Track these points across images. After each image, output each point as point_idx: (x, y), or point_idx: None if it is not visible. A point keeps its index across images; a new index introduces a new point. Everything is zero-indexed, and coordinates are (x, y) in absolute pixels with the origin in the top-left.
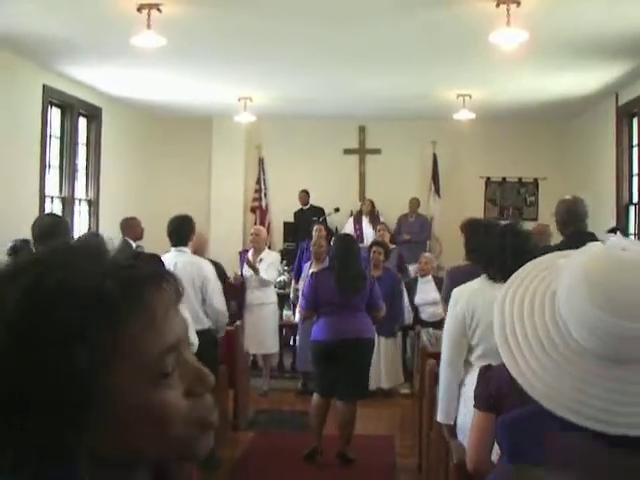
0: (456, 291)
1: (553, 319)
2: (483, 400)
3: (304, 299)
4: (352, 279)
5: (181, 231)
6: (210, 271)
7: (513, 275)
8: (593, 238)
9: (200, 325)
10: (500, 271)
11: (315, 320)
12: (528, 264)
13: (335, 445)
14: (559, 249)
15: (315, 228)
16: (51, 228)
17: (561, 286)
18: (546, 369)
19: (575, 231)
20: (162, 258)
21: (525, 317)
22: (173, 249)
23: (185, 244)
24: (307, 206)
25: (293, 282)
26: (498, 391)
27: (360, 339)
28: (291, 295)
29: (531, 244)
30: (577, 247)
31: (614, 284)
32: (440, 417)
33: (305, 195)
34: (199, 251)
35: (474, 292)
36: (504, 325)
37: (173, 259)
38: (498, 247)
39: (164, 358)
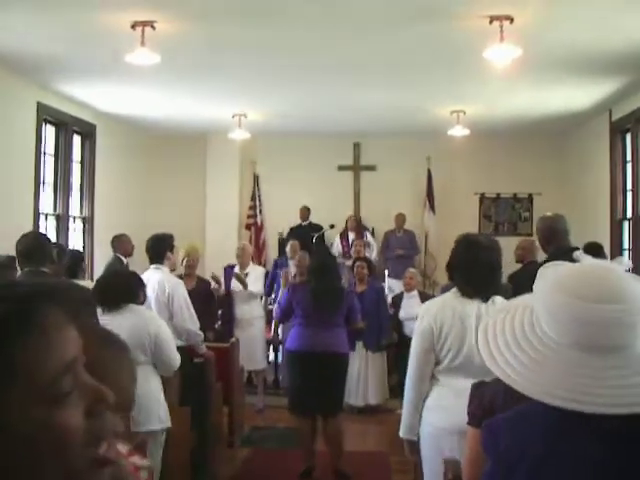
0: (423, 306)
1: (530, 324)
2: (478, 417)
3: (279, 309)
4: (328, 294)
5: (157, 249)
6: (176, 288)
7: (497, 311)
8: (571, 255)
9: None
10: (469, 285)
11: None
12: (507, 303)
13: (328, 462)
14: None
15: (290, 244)
16: (34, 246)
17: (535, 294)
18: (525, 365)
19: (557, 248)
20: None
21: (506, 327)
22: (151, 266)
23: (161, 261)
24: (307, 222)
25: (263, 298)
26: (491, 406)
27: (330, 353)
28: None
29: (494, 257)
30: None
31: (576, 275)
32: (403, 432)
33: (306, 211)
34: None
35: (442, 306)
36: (487, 340)
37: (148, 276)
38: (466, 261)
39: (61, 378)
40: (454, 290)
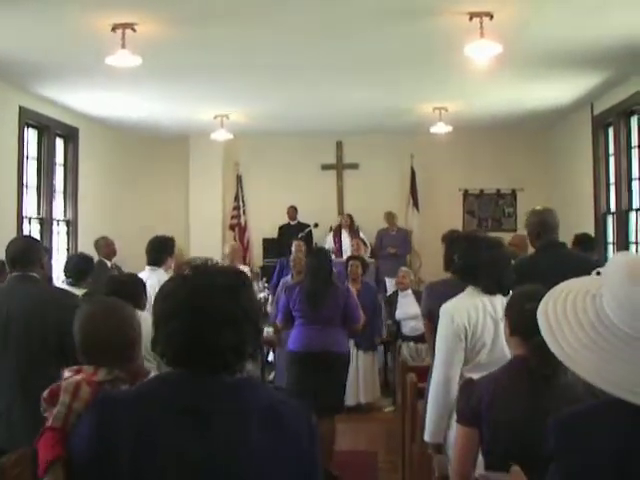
0: (449, 306)
1: (597, 315)
2: (465, 415)
3: (279, 311)
4: (320, 293)
5: (157, 252)
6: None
7: (547, 294)
8: (564, 248)
9: None
10: (493, 281)
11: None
12: (559, 285)
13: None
14: (534, 261)
15: (294, 244)
16: (24, 251)
17: (603, 284)
18: (607, 361)
19: (547, 242)
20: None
21: (569, 315)
22: (147, 267)
23: (158, 264)
24: (294, 221)
25: (270, 298)
26: (479, 404)
27: (329, 352)
28: (269, 310)
29: (509, 253)
30: (551, 258)
31: None
32: (427, 436)
33: (293, 210)
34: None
35: (472, 305)
36: (550, 326)
37: (144, 277)
38: (489, 260)
39: None
40: (471, 288)
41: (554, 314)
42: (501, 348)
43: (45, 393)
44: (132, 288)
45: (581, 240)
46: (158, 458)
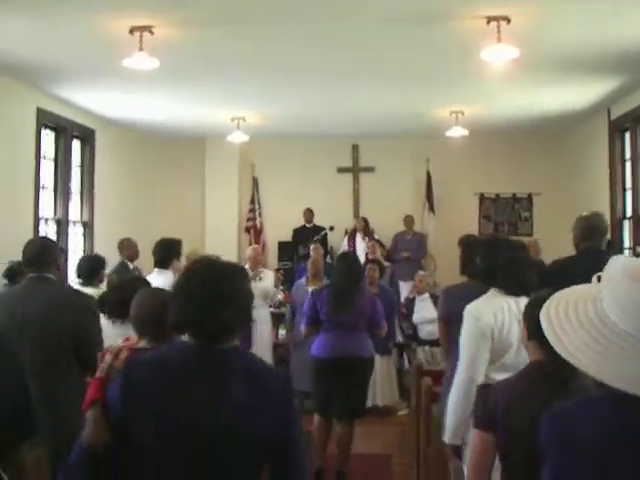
0: (475, 307)
1: (597, 315)
2: (482, 420)
3: (304, 316)
4: (348, 297)
5: (164, 254)
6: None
7: (551, 297)
8: (606, 254)
9: None
10: (514, 284)
11: (315, 337)
12: (560, 291)
13: (335, 464)
14: (573, 263)
15: (312, 247)
16: (40, 252)
17: (603, 286)
18: (604, 356)
19: (590, 246)
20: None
21: (570, 315)
22: (155, 270)
23: (165, 266)
24: (310, 224)
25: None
26: (496, 409)
27: (356, 358)
28: (287, 315)
29: (530, 256)
30: (589, 262)
31: None
32: (448, 437)
33: (309, 213)
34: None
35: (497, 306)
36: (551, 323)
37: (151, 279)
38: (511, 261)
39: None
40: (494, 290)
41: (556, 316)
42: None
43: (100, 353)
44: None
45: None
46: (170, 401)
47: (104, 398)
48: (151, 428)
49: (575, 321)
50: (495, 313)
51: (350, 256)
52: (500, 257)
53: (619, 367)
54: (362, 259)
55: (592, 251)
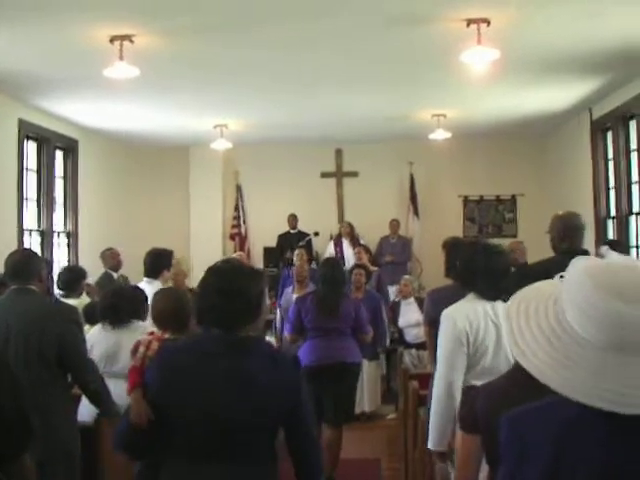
0: (451, 311)
1: (556, 318)
2: (468, 421)
3: (289, 323)
4: (332, 303)
5: (154, 264)
6: None
7: (514, 295)
8: (586, 254)
9: None
10: (491, 289)
11: (301, 344)
12: (525, 289)
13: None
14: (558, 263)
15: (296, 253)
16: (22, 264)
17: (564, 290)
18: (560, 362)
19: (569, 247)
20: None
21: (531, 319)
22: (144, 279)
23: (155, 276)
24: (295, 230)
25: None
26: (482, 411)
27: (344, 363)
28: (277, 321)
29: (509, 260)
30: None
31: (611, 274)
32: (431, 444)
33: (293, 219)
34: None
35: (472, 310)
36: (512, 328)
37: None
38: (487, 266)
39: None
40: (472, 294)
41: (517, 317)
42: (504, 353)
43: (132, 346)
44: (132, 300)
45: (612, 246)
46: (197, 380)
47: (142, 383)
48: (183, 403)
49: (534, 323)
50: (470, 318)
51: (333, 262)
52: (477, 261)
53: (573, 376)
54: (351, 264)
55: (574, 251)
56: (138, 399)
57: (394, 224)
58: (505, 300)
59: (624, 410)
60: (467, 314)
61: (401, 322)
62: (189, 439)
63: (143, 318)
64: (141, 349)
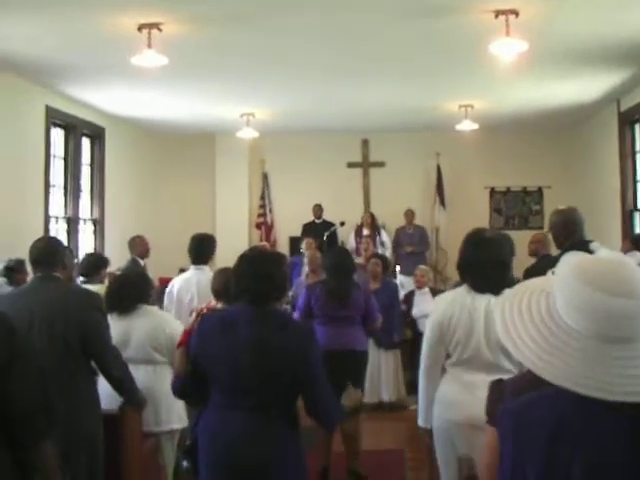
0: (435, 300)
1: (548, 311)
2: (493, 415)
3: (298, 310)
4: (342, 292)
5: (201, 250)
6: None
7: (508, 291)
8: (591, 246)
9: None
10: (479, 280)
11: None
12: (519, 284)
13: (345, 462)
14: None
15: (305, 242)
16: (46, 252)
17: (555, 283)
18: (550, 353)
19: (574, 242)
20: (179, 278)
21: (523, 311)
22: (192, 267)
23: (204, 262)
24: (320, 220)
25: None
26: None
27: (350, 351)
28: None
29: (505, 252)
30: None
31: (599, 269)
32: (420, 422)
33: (318, 209)
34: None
35: (452, 300)
36: (504, 320)
37: (194, 277)
38: (475, 260)
39: None
40: (466, 285)
41: (510, 310)
42: (475, 347)
43: (189, 313)
44: (136, 285)
45: (637, 241)
46: (222, 345)
47: (187, 343)
48: (212, 363)
49: (527, 316)
50: (445, 307)
51: (341, 250)
52: (466, 253)
53: (564, 365)
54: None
55: (579, 245)
56: (181, 355)
57: (409, 214)
58: (495, 294)
59: (613, 397)
60: (445, 303)
61: (415, 312)
62: (220, 391)
63: (150, 302)
64: (194, 315)
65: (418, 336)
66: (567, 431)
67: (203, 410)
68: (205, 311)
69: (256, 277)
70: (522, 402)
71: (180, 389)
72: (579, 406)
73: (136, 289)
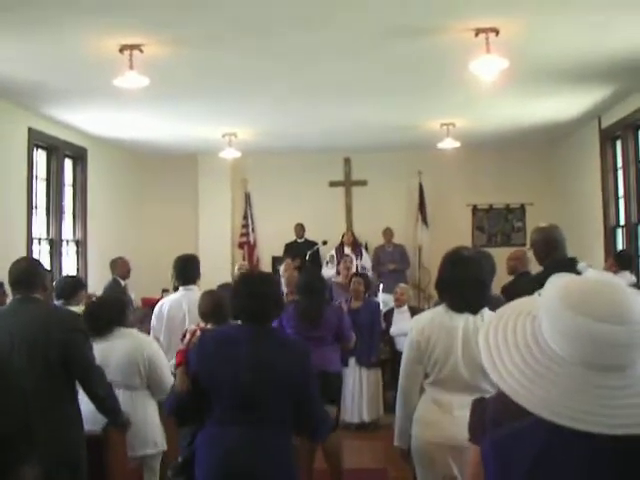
0: (413, 320)
1: (533, 335)
2: (475, 432)
3: None
4: (312, 312)
5: (188, 270)
6: None
7: (495, 313)
8: (573, 264)
9: None
10: (457, 299)
11: None
12: (505, 306)
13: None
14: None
15: (284, 263)
16: (27, 273)
17: (540, 305)
18: (532, 380)
19: (555, 259)
20: (168, 298)
21: (508, 336)
22: (181, 288)
23: (193, 282)
24: (302, 239)
25: None
26: (493, 423)
27: (322, 372)
28: None
29: (484, 271)
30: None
31: (585, 292)
32: (396, 441)
33: (300, 228)
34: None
35: (430, 319)
36: (489, 346)
37: (184, 297)
38: (453, 279)
39: None
40: (444, 304)
41: (494, 336)
42: (453, 366)
43: (181, 334)
44: (111, 308)
45: (621, 258)
46: (223, 362)
47: (186, 362)
48: (213, 380)
49: (512, 339)
50: (424, 327)
51: (311, 271)
52: (443, 272)
53: (543, 393)
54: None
55: (558, 263)
56: (180, 374)
57: (387, 233)
58: (473, 312)
59: (593, 429)
60: (423, 322)
61: (393, 330)
62: (220, 408)
63: (126, 324)
64: (188, 336)
65: (396, 354)
66: (547, 462)
67: (200, 427)
68: (199, 332)
69: (254, 297)
70: (503, 434)
71: (177, 408)
72: (558, 436)
73: (113, 311)
